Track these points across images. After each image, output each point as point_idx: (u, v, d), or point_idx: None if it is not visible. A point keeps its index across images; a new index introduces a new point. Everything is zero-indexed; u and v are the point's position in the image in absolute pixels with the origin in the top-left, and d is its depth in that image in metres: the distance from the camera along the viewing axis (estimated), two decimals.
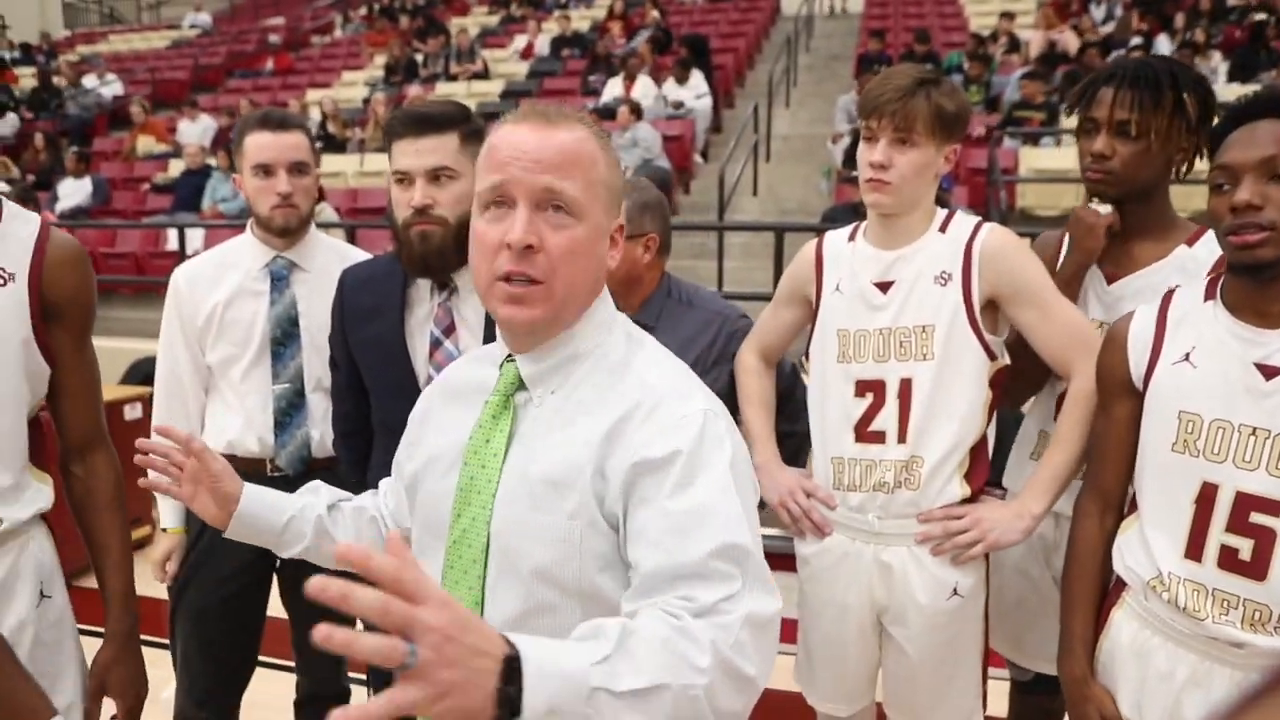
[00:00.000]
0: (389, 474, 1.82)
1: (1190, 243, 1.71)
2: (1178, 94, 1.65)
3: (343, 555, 0.73)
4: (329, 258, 2.10)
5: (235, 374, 2.06)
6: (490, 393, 1.15)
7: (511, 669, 0.77)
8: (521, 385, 1.12)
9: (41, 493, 1.51)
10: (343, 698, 2.27)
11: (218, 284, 2.07)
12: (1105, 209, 1.71)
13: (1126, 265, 1.73)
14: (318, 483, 1.39)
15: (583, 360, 1.11)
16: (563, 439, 1.07)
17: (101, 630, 1.54)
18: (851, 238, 1.82)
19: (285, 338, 2.06)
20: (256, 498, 1.32)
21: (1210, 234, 1.70)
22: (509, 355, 1.13)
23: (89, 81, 13.53)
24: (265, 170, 2.03)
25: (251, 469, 2.04)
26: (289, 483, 2.02)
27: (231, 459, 2.02)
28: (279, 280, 2.08)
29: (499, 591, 1.08)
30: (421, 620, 0.72)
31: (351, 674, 2.31)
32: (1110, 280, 1.75)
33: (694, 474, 0.99)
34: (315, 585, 0.70)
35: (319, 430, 2.08)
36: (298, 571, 2.18)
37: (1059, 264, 1.80)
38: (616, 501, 1.03)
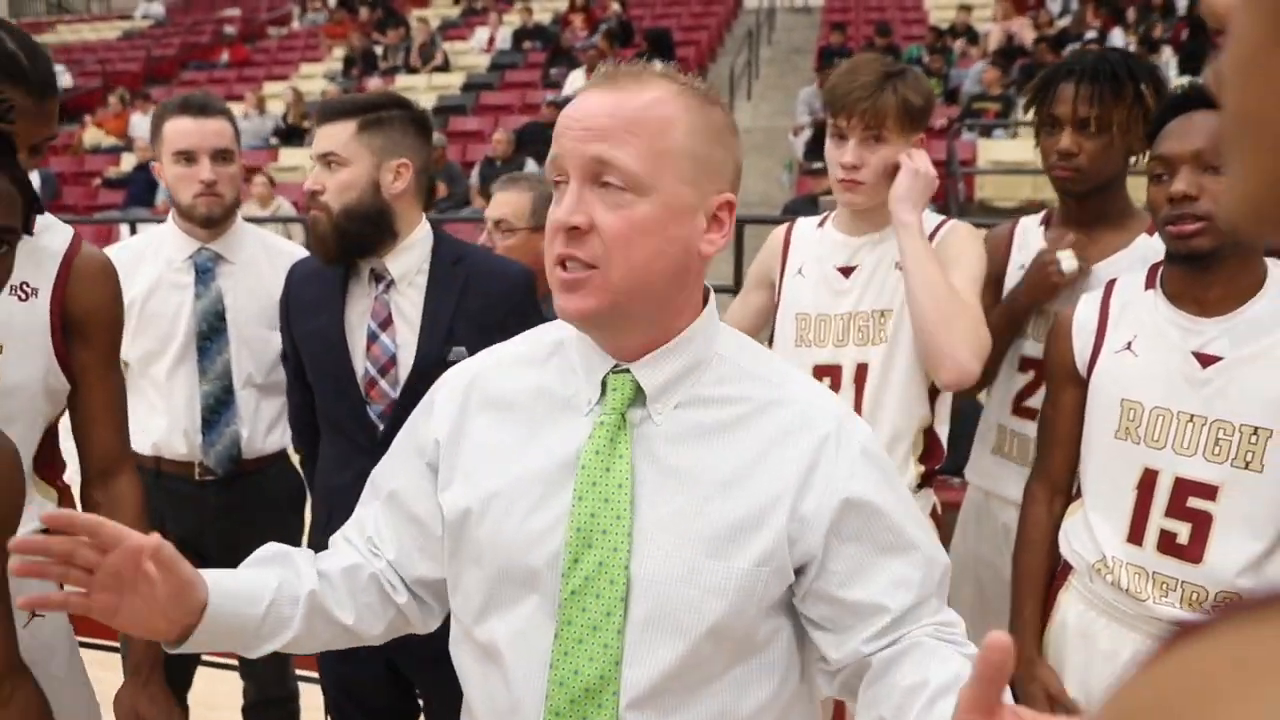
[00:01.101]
0: (327, 466, 1.79)
1: (1151, 232, 1.73)
2: (1135, 84, 1.68)
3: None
4: (255, 249, 2.05)
5: (158, 371, 1.99)
6: (568, 408, 0.98)
7: None
8: (635, 400, 0.96)
9: (43, 509, 1.42)
10: (291, 699, 2.25)
11: (134, 275, 1.94)
12: (1072, 265, 1.70)
13: (1089, 256, 1.76)
14: (280, 548, 1.07)
15: (705, 368, 0.97)
16: (740, 470, 0.94)
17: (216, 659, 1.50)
18: (821, 224, 1.84)
19: (211, 332, 1.99)
20: (225, 591, 0.97)
21: None
22: (616, 365, 0.97)
23: None
24: (187, 157, 1.96)
25: (179, 472, 2.00)
26: (220, 485, 2.01)
27: (157, 461, 1.99)
28: (204, 273, 2.00)
29: (649, 646, 0.92)
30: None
31: (300, 671, 2.29)
32: None
33: (896, 503, 0.98)
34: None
35: (248, 429, 2.03)
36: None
37: (1010, 292, 1.80)
38: (816, 542, 0.93)
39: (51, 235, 1.43)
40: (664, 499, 0.93)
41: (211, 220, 1.99)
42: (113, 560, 0.88)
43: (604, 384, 0.97)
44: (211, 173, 1.97)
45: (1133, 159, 1.72)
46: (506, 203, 2.22)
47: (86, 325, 1.44)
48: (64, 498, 1.48)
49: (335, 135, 1.68)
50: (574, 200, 0.90)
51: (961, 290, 1.64)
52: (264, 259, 2.04)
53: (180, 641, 0.96)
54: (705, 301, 1.00)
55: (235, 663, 2.23)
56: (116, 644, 2.17)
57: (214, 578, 0.97)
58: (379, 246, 1.70)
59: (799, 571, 0.95)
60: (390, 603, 1.07)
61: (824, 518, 0.93)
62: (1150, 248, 1.71)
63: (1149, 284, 1.48)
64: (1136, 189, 1.63)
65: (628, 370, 0.96)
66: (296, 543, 2.19)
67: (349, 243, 1.68)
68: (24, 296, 1.38)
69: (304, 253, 2.11)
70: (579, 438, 0.96)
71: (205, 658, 2.17)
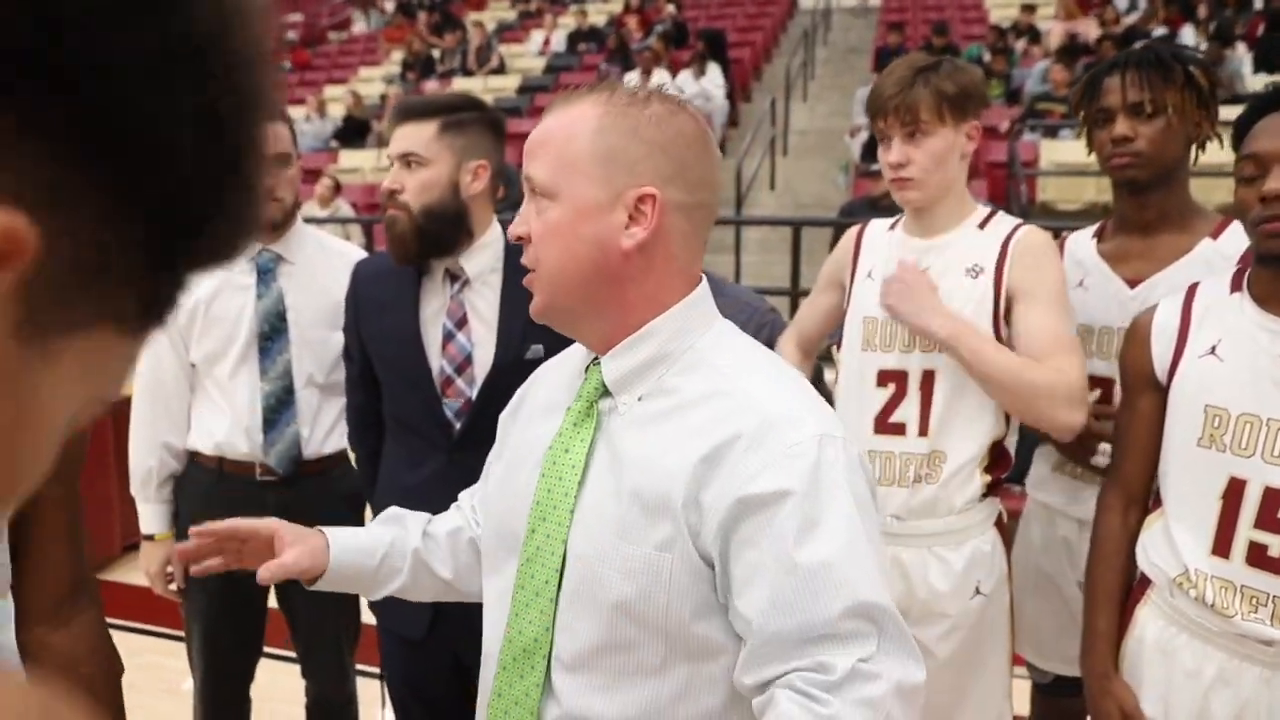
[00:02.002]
0: (398, 465, 1.81)
1: (1215, 235, 1.67)
2: (1184, 67, 1.63)
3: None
4: (314, 250, 2.07)
5: (221, 372, 2.00)
6: (569, 396, 1.08)
7: None
8: (606, 391, 1.03)
9: None
10: (349, 703, 2.26)
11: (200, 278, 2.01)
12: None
13: (1149, 263, 1.69)
14: (400, 511, 1.27)
15: (671, 362, 1.00)
16: (653, 457, 0.96)
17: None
18: (892, 227, 1.80)
19: (273, 333, 2.01)
20: (347, 544, 1.20)
21: (1236, 225, 1.67)
22: (595, 358, 1.05)
23: None
24: None
25: (240, 472, 2.02)
26: (281, 486, 2.02)
27: (220, 461, 2.01)
28: (265, 274, 2.02)
29: (573, 619, 0.98)
30: None
31: (361, 666, 2.31)
32: (1133, 284, 1.71)
33: (815, 519, 0.88)
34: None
35: (309, 428, 2.04)
36: (290, 580, 2.16)
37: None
38: (713, 539, 0.92)
39: None
40: (605, 482, 0.99)
41: (273, 224, 2.02)
42: (250, 546, 1.21)
43: (585, 373, 1.06)
44: (270, 178, 1.99)
45: (1195, 154, 1.67)
46: None
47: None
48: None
49: (416, 135, 1.69)
50: (522, 213, 1.02)
51: (1041, 332, 1.60)
52: (321, 260, 2.06)
53: (313, 584, 1.20)
54: (686, 295, 1.02)
55: (295, 656, 2.26)
56: (181, 632, 2.22)
57: (338, 536, 1.20)
58: (456, 246, 1.71)
59: (713, 568, 0.94)
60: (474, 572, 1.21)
61: (719, 513, 0.91)
62: (1217, 252, 1.64)
63: (1235, 287, 1.43)
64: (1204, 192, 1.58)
65: (599, 362, 1.04)
66: None
67: (428, 242, 1.69)
68: None
69: (358, 253, 2.14)
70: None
71: (268, 650, 2.21)
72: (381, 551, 1.21)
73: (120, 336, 0.35)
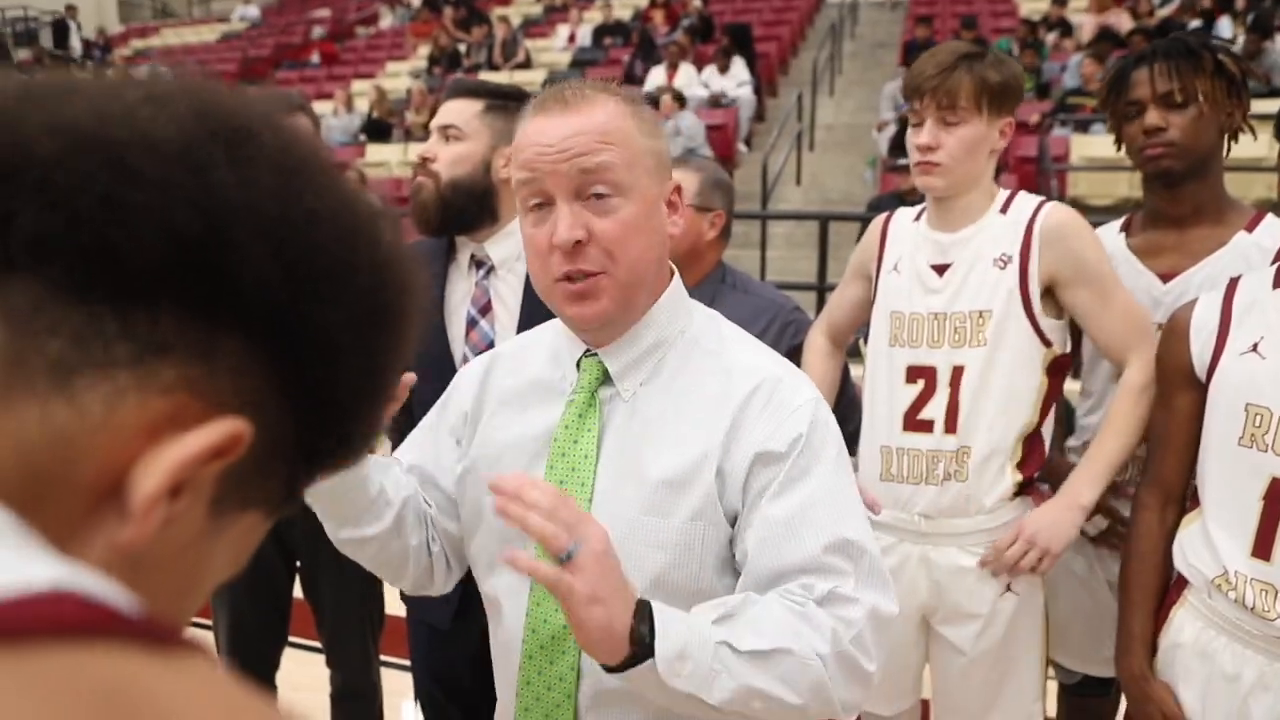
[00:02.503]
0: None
1: (1250, 228, 1.63)
2: (1213, 55, 1.60)
3: (496, 484, 0.85)
4: None
5: None
6: (553, 389, 1.09)
7: (643, 610, 0.86)
8: (605, 380, 1.06)
9: None
10: (373, 691, 2.27)
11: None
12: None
13: (1183, 257, 1.66)
14: (389, 461, 1.17)
15: (670, 346, 1.06)
16: (675, 436, 1.01)
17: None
18: (917, 218, 1.77)
19: None
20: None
21: (1272, 218, 1.64)
22: (587, 350, 1.06)
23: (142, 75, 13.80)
24: None
25: None
26: None
27: None
28: None
29: None
30: (588, 525, 0.85)
31: (386, 658, 2.32)
32: (1166, 278, 1.67)
33: (808, 467, 0.98)
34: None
35: None
36: (316, 569, 2.13)
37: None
38: (736, 496, 1.00)
39: None
40: (619, 467, 1.02)
41: None
42: None
43: (579, 366, 1.07)
44: None
45: (1227, 145, 1.64)
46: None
47: None
48: None
49: (460, 110, 1.71)
50: (570, 218, 0.98)
51: (1112, 290, 1.62)
52: None
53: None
54: (670, 281, 1.08)
55: (320, 645, 2.28)
56: (208, 620, 2.23)
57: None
58: (478, 225, 1.71)
59: (733, 526, 1.01)
60: (426, 550, 1.16)
61: (739, 473, 0.99)
62: (1254, 245, 1.61)
63: (1277, 282, 1.39)
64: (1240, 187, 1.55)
65: (596, 354, 1.05)
66: (322, 538, 2.20)
67: (450, 214, 1.70)
68: None
69: None
70: (557, 416, 1.07)
71: (294, 640, 2.22)
72: (379, 485, 1.08)
73: (266, 518, 0.43)
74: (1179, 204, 1.66)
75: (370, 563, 1.14)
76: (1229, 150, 1.66)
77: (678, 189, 1.07)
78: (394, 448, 1.95)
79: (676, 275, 1.09)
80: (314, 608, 2.19)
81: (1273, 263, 1.57)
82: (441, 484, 1.17)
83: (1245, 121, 1.63)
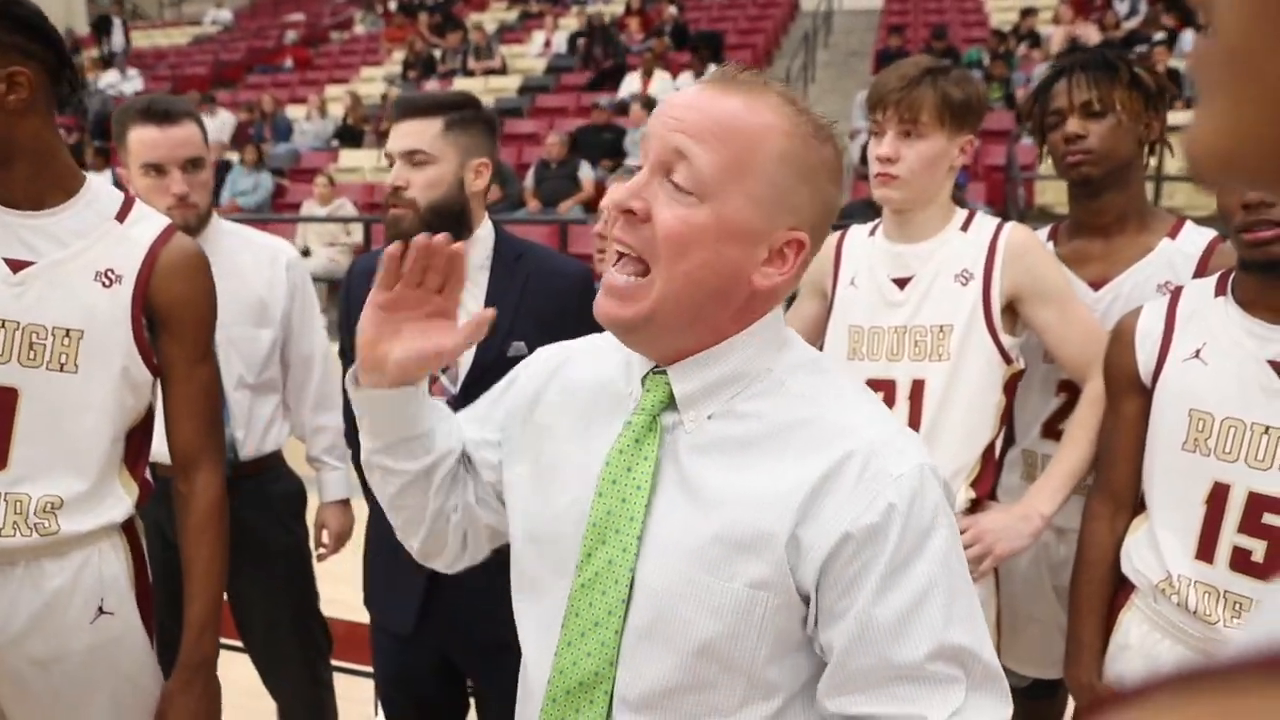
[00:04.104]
0: None
1: (1173, 235, 1.69)
2: (1129, 67, 1.67)
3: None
4: (235, 247, 1.99)
5: None
6: (620, 403, 0.97)
7: None
8: (670, 405, 0.94)
9: (120, 504, 1.41)
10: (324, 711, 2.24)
11: None
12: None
13: (1111, 265, 1.71)
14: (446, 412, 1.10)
15: (750, 382, 0.92)
16: (743, 490, 0.88)
17: (234, 643, 1.45)
18: (872, 233, 1.79)
19: None
20: (422, 398, 1.03)
21: (1191, 225, 1.69)
22: (655, 367, 0.94)
23: (110, 78, 13.66)
24: (156, 169, 1.89)
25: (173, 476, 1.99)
26: None
27: (152, 467, 1.98)
28: None
29: (643, 657, 0.90)
30: None
31: (350, 665, 2.27)
32: (1096, 286, 1.72)
33: (911, 555, 0.85)
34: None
35: (243, 430, 1.98)
36: (239, 593, 2.02)
37: None
38: (811, 573, 0.86)
39: (144, 225, 1.42)
40: (677, 508, 0.91)
41: (188, 230, 1.87)
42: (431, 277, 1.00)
43: (644, 383, 0.95)
44: (183, 184, 1.90)
45: (1146, 156, 1.70)
46: None
47: (171, 317, 1.40)
48: (144, 492, 1.46)
49: (421, 132, 1.67)
50: (639, 184, 0.87)
51: (1071, 306, 1.64)
52: (246, 256, 2.00)
53: (378, 388, 1.00)
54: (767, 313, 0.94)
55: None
56: (238, 642, 2.14)
57: (421, 389, 1.02)
58: (457, 240, 1.70)
59: (807, 604, 0.88)
60: (444, 518, 1.08)
61: (820, 549, 0.85)
62: (1178, 251, 1.66)
63: (1219, 290, 1.43)
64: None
65: (665, 373, 0.94)
66: (296, 547, 2.14)
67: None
68: (108, 283, 1.36)
69: (283, 244, 2.10)
70: (616, 433, 0.95)
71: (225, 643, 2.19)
72: (430, 426, 1.03)
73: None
74: (1102, 213, 1.71)
75: (388, 505, 1.08)
76: (1148, 160, 1.72)
77: (798, 244, 0.89)
78: (354, 455, 1.94)
79: (778, 310, 0.95)
80: (240, 627, 2.12)
81: (1196, 268, 1.62)
82: (480, 463, 1.08)
83: (1163, 132, 1.70)
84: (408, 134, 1.68)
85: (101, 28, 14.94)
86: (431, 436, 1.03)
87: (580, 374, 1.03)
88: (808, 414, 0.90)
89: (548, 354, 1.08)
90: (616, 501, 0.92)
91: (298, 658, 2.15)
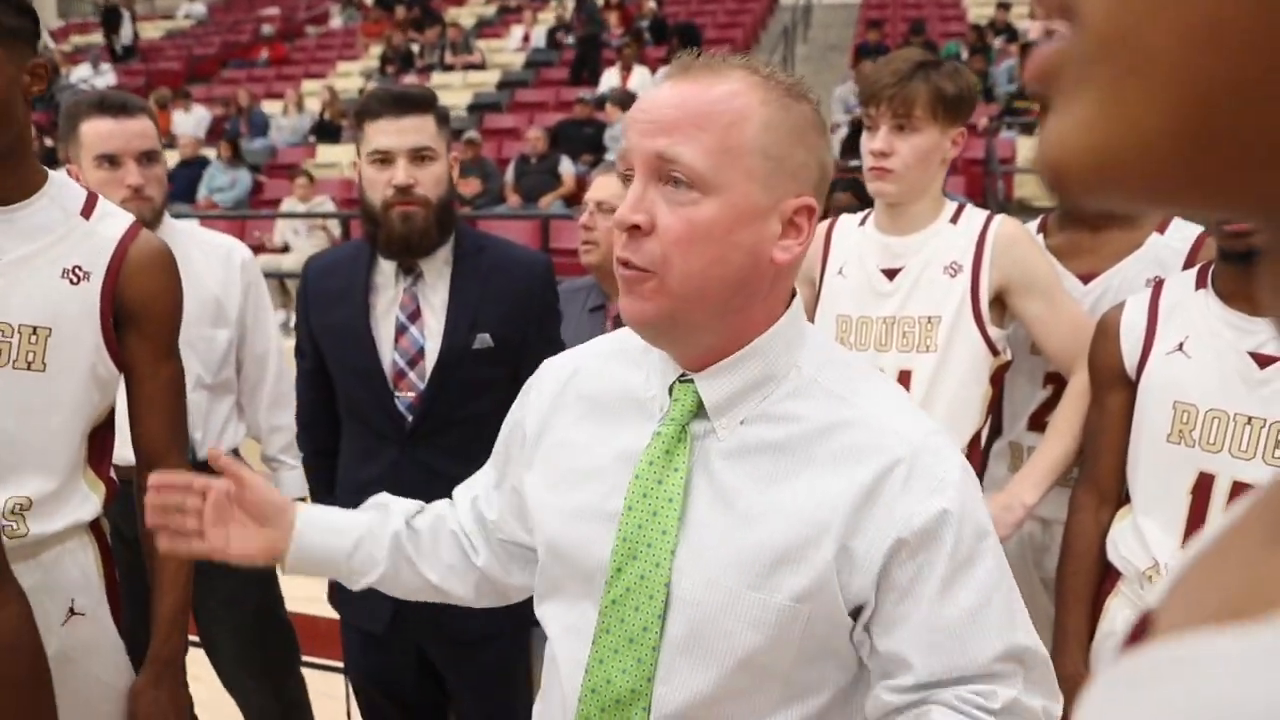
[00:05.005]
0: (353, 460, 1.74)
1: (1161, 229, 1.70)
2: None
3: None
4: (188, 246, 1.93)
5: None
6: (643, 408, 0.94)
7: None
8: (700, 413, 0.91)
9: (87, 503, 1.41)
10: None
11: None
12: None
13: (1100, 258, 1.72)
14: (386, 496, 1.15)
15: (780, 382, 0.90)
16: (786, 497, 0.87)
17: None
18: (862, 223, 1.80)
19: None
20: (315, 521, 1.07)
21: (1178, 220, 1.70)
22: (682, 374, 0.92)
23: (83, 72, 13.46)
24: (110, 161, 1.86)
25: (133, 478, 1.96)
26: None
27: (116, 470, 1.93)
28: None
29: (682, 671, 0.88)
30: None
31: (324, 661, 2.24)
32: (1086, 279, 1.73)
33: (969, 559, 0.85)
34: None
35: (200, 431, 1.96)
36: (208, 620, 2.00)
37: None
38: (869, 585, 0.85)
39: (110, 221, 1.41)
40: (713, 519, 0.89)
41: (142, 222, 1.84)
42: (212, 499, 1.04)
43: (671, 392, 0.93)
44: (139, 176, 1.86)
45: None
46: (609, 184, 2.22)
47: (139, 314, 1.39)
48: (110, 492, 1.45)
49: (424, 129, 1.65)
50: (636, 197, 0.85)
51: (1059, 299, 1.65)
52: (198, 255, 1.97)
53: (278, 562, 1.07)
54: (787, 307, 0.92)
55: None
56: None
57: (307, 510, 1.08)
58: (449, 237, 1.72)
59: (855, 615, 0.88)
60: (471, 565, 1.10)
61: (875, 560, 0.84)
62: (1166, 247, 1.68)
63: (1200, 283, 1.45)
64: None
65: (693, 380, 0.91)
66: (211, 586, 2.03)
67: (443, 236, 1.69)
68: (75, 280, 1.34)
69: (235, 244, 2.07)
70: (644, 443, 0.93)
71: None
72: (357, 534, 1.07)
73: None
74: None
75: (402, 594, 1.13)
76: None
77: (808, 210, 0.87)
78: (308, 454, 1.91)
79: (797, 299, 0.93)
80: (208, 650, 2.09)
81: (1185, 262, 1.64)
82: (514, 483, 1.09)
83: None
84: (411, 130, 1.64)
85: (110, 22, 14.61)
86: (359, 554, 1.08)
87: (594, 384, 1.00)
88: (847, 415, 0.88)
89: (553, 369, 1.06)
90: (647, 515, 0.90)
91: (259, 662, 2.12)
